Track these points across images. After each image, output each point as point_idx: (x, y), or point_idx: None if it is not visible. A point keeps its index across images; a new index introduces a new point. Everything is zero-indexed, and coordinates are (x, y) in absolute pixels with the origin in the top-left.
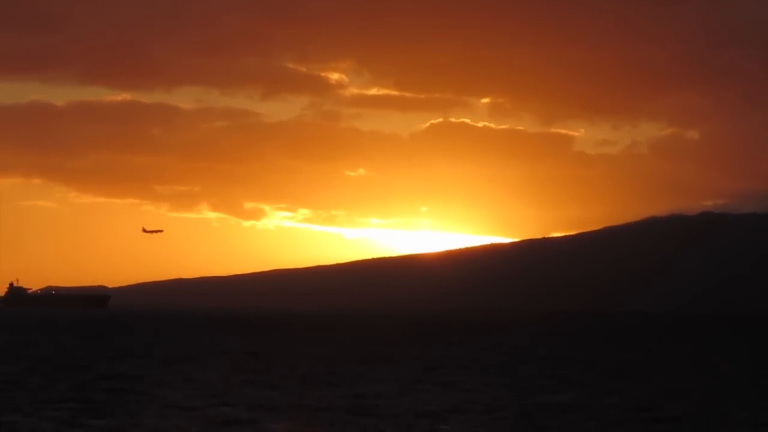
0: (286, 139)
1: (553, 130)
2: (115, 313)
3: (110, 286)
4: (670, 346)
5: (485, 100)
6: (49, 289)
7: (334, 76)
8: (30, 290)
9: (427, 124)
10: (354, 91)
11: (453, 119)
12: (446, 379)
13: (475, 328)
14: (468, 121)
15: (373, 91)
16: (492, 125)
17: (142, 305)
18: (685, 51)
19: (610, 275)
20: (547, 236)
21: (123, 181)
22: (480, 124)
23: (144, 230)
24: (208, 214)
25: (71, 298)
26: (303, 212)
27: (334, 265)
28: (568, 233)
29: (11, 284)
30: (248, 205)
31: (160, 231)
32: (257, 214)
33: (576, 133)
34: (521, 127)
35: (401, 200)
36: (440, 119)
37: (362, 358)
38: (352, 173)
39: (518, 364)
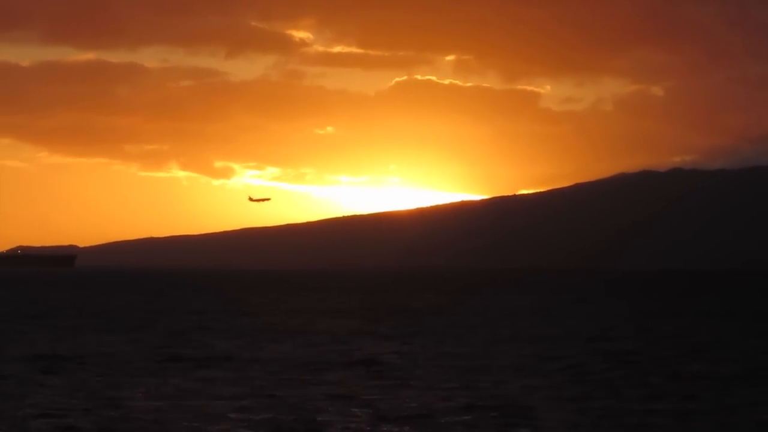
0: (252, 98)
1: (519, 87)
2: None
3: (80, 245)
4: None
5: (450, 58)
6: (17, 249)
7: (298, 35)
8: None
9: (393, 82)
10: (318, 49)
11: (418, 77)
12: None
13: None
14: (434, 78)
15: (338, 49)
16: (458, 82)
17: (112, 264)
18: (648, 7)
19: (581, 232)
20: (516, 193)
21: (92, 141)
22: (446, 82)
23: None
24: (177, 173)
25: (37, 258)
26: (271, 171)
27: (303, 224)
28: (537, 190)
29: None
30: (218, 163)
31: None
32: (227, 173)
33: (542, 90)
34: (487, 85)
35: (370, 158)
36: (405, 77)
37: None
38: (321, 131)
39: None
